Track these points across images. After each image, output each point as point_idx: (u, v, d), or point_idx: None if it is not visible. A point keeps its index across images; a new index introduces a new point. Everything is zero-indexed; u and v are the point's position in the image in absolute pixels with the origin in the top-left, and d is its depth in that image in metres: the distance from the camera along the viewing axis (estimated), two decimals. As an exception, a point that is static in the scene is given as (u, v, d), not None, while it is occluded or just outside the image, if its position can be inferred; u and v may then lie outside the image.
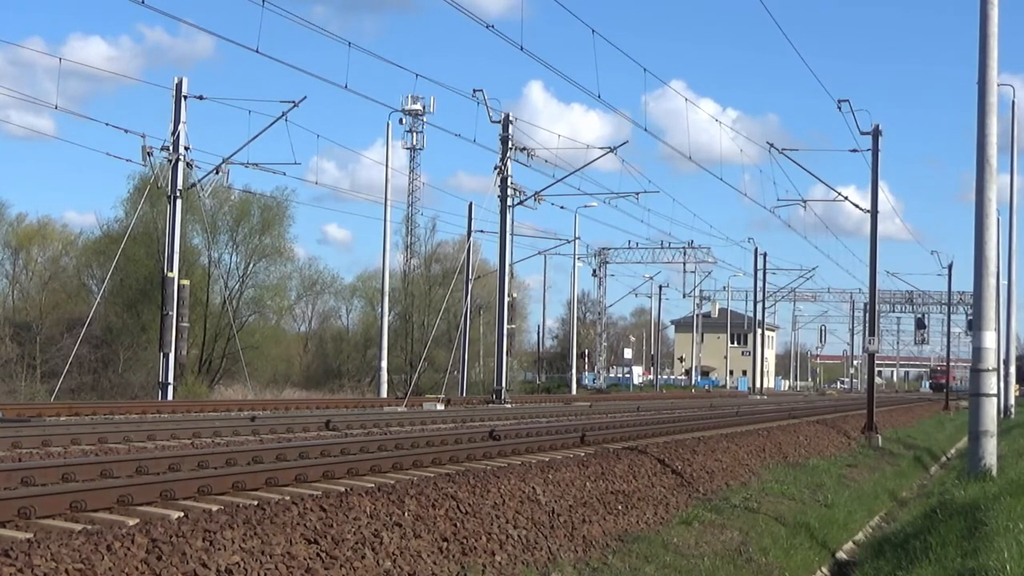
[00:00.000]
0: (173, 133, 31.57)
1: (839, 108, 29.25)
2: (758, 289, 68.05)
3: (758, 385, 70.87)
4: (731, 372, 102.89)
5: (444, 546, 9.33)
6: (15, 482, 9.24)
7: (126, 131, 31.29)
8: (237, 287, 58.75)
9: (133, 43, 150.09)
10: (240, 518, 8.14)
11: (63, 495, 8.48)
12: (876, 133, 30.26)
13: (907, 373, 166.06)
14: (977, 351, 17.14)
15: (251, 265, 59.60)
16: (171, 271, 32.09)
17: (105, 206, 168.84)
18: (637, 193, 44.40)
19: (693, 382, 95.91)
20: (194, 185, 33.60)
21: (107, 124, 64.26)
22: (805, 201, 39.25)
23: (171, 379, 32.03)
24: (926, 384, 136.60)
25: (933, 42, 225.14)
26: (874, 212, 30.45)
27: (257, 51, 24.12)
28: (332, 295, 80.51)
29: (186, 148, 31.81)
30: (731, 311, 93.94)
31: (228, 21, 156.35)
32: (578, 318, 76.20)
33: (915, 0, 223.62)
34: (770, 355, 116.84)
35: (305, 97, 31.79)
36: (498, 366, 38.73)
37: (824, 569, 13.23)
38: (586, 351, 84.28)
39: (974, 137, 17.19)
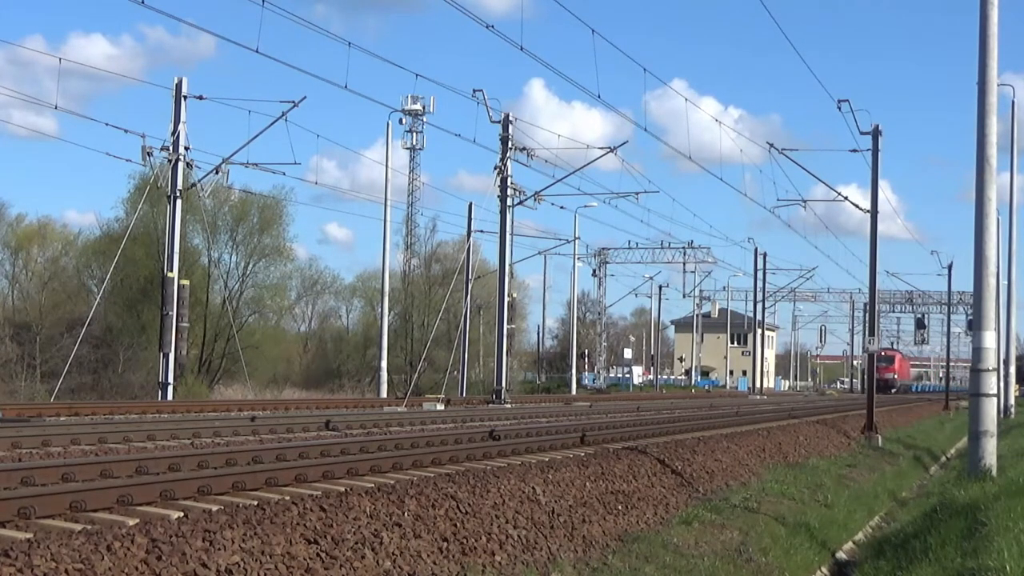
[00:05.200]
0: (173, 133, 31.57)
1: (839, 108, 29.34)
2: (758, 289, 68.06)
3: (758, 385, 70.86)
4: (731, 372, 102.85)
5: (444, 546, 9.33)
6: (15, 482, 9.22)
7: (126, 131, 31.42)
8: (237, 287, 58.79)
9: (134, 42, 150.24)
10: (240, 518, 8.14)
11: (63, 495, 8.46)
12: (876, 133, 30.29)
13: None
14: (977, 351, 17.15)
15: (251, 265, 59.66)
16: (171, 271, 32.10)
17: (105, 206, 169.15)
18: (637, 193, 44.39)
19: (693, 382, 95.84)
20: (194, 185, 33.63)
21: (107, 124, 64.46)
22: (805, 201, 39.29)
23: (171, 379, 32.03)
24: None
25: (933, 42, 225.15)
26: (874, 212, 30.48)
27: (257, 51, 24.21)
28: (332, 295, 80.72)
29: (186, 148, 31.82)
30: (731, 311, 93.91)
31: (228, 21, 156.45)
32: (578, 318, 76.17)
33: (915, 0, 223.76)
34: (770, 355, 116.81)
35: (305, 97, 31.86)
36: (498, 366, 38.71)
37: (824, 569, 13.23)
38: (586, 351, 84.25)
39: (974, 137, 17.21)
